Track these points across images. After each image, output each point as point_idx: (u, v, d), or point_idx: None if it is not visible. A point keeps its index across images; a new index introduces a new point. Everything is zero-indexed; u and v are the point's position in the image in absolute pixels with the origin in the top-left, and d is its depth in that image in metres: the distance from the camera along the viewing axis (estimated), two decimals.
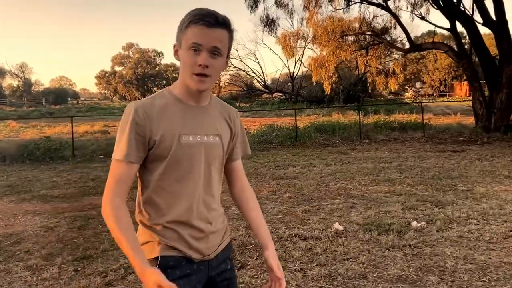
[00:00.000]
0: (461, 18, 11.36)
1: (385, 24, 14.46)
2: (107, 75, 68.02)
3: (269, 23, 14.90)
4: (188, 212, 1.30)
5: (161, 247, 1.28)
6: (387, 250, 3.62)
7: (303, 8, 15.28)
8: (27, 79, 60.69)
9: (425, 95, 48.60)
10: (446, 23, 12.00)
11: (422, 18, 12.49)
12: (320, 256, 3.53)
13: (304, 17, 15.14)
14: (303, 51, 32.54)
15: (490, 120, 11.35)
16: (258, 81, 42.25)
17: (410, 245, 3.69)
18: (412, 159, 8.42)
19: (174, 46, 1.31)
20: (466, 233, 3.98)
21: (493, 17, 11.05)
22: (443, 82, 49.71)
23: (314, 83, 34.53)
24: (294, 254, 3.58)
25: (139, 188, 1.34)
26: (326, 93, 33.25)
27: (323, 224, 4.42)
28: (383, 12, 14.23)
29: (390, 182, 6.33)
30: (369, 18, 14.74)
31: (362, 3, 13.95)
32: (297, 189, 6.11)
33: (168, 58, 73.49)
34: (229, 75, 40.92)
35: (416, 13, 12.87)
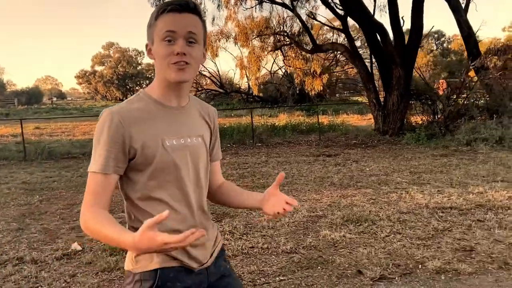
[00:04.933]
0: (355, 18, 11.21)
1: (292, 24, 14.25)
2: (87, 74, 66.65)
3: None
4: (184, 218, 1.24)
5: (161, 258, 1.20)
6: None
7: (217, 6, 14.91)
8: None
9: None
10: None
11: (314, 18, 12.33)
12: None
13: (217, 16, 14.85)
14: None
15: (385, 122, 11.24)
16: (213, 82, 41.77)
17: None
18: (276, 164, 8.17)
19: (147, 45, 1.23)
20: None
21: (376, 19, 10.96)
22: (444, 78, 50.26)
23: (271, 83, 34.46)
24: None
25: (127, 201, 1.24)
26: (280, 93, 33.25)
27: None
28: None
29: None
30: (282, 19, 14.50)
31: (272, 3, 13.69)
32: None
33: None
34: None
35: (307, 11, 12.70)
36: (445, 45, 49.76)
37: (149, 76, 64.12)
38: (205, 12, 14.06)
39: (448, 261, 3.40)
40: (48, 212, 5.29)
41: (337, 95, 42.46)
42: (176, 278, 1.21)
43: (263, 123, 13.64)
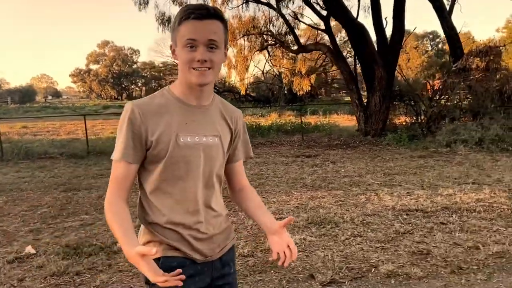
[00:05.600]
0: (337, 19, 11.18)
1: (277, 25, 14.20)
2: (81, 73, 66.23)
3: (166, 21, 14.36)
4: (188, 213, 1.28)
5: (163, 248, 1.27)
6: None
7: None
8: None
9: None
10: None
11: (296, 18, 12.29)
12: None
13: None
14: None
15: (367, 123, 11.22)
16: None
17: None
18: (254, 164, 8.11)
19: (171, 46, 1.28)
20: None
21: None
22: (425, 79, 50.16)
23: (263, 83, 34.43)
24: None
25: (141, 190, 1.32)
26: (274, 93, 33.19)
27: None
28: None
29: None
30: (268, 19, 14.45)
31: (257, 3, 13.63)
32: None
33: (146, 56, 71.73)
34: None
35: (291, 11, 12.66)
36: (440, 46, 49.93)
37: (145, 75, 63.77)
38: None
39: (401, 265, 3.36)
40: (11, 214, 5.19)
41: (333, 94, 42.52)
42: (179, 267, 1.23)
43: (248, 123, 13.59)
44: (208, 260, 1.33)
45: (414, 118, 11.82)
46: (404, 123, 11.90)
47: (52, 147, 10.91)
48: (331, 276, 3.20)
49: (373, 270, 3.31)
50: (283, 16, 12.64)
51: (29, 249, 3.91)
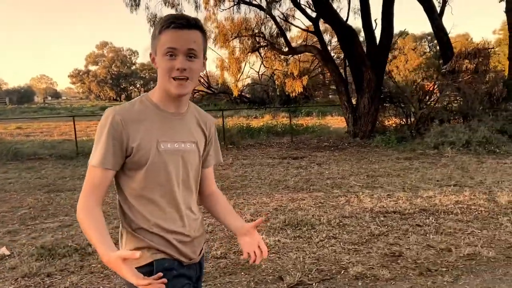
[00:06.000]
0: (326, 21, 11.21)
1: (268, 26, 14.20)
2: (80, 74, 66.09)
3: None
4: (172, 218, 1.31)
5: (152, 252, 1.29)
6: None
7: (195, 8, 14.84)
8: None
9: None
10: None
11: (286, 20, 12.31)
12: None
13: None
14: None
15: (356, 124, 11.25)
16: (201, 83, 41.59)
17: None
18: (240, 166, 8.12)
19: (150, 54, 1.31)
20: None
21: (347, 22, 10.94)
22: (413, 82, 50.20)
23: (258, 84, 34.38)
24: None
25: (120, 195, 1.32)
26: (269, 95, 33.17)
27: None
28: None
29: None
30: (260, 20, 14.46)
31: (249, 5, 13.65)
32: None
33: (144, 57, 71.58)
34: None
35: (280, 13, 12.68)
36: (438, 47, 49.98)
37: (143, 76, 63.69)
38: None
39: (371, 267, 3.38)
40: None
41: (330, 96, 42.48)
42: (171, 267, 1.31)
43: (238, 124, 13.61)
44: (192, 262, 1.39)
45: (404, 120, 11.86)
46: (394, 124, 11.94)
47: (42, 148, 10.91)
48: (299, 278, 3.21)
49: (342, 272, 3.32)
50: (273, 18, 12.67)
51: (3, 250, 3.91)
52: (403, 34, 22.76)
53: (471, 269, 3.31)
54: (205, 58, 1.34)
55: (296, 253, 3.71)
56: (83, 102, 61.40)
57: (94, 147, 1.26)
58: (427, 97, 11.47)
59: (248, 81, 38.59)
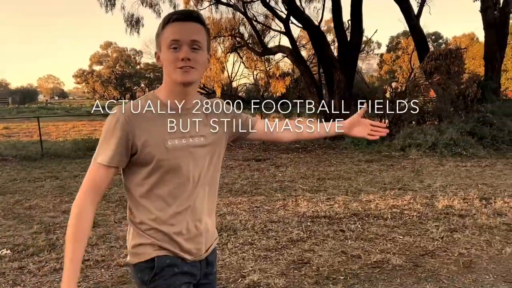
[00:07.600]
0: (298, 21, 11.14)
1: (247, 26, 14.15)
2: (85, 74, 66.16)
3: (134, 23, 14.30)
4: (177, 215, 1.30)
5: (155, 249, 1.30)
6: None
7: (173, 7, 14.78)
8: None
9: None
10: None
11: (256, 20, 12.26)
12: None
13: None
14: None
15: None
16: None
17: None
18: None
19: (156, 53, 1.31)
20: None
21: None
22: (386, 83, 50.14)
23: (253, 84, 34.34)
24: None
25: (127, 192, 1.33)
26: (263, 95, 33.15)
27: None
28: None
29: None
30: (238, 21, 14.42)
31: (226, 6, 13.60)
32: None
33: (148, 57, 71.63)
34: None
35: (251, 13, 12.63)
36: (443, 47, 49.65)
37: (148, 75, 63.61)
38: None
39: (270, 275, 3.30)
40: None
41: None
42: (173, 264, 1.31)
43: None
44: (197, 259, 1.37)
45: (378, 121, 11.77)
46: None
47: (8, 149, 10.85)
48: None
49: (239, 280, 3.25)
50: (248, 18, 12.60)
51: None
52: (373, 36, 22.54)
53: (369, 278, 3.23)
54: (209, 54, 1.33)
55: None
56: (87, 101, 61.18)
57: (99, 145, 1.26)
58: (397, 98, 11.38)
59: (245, 80, 38.66)
